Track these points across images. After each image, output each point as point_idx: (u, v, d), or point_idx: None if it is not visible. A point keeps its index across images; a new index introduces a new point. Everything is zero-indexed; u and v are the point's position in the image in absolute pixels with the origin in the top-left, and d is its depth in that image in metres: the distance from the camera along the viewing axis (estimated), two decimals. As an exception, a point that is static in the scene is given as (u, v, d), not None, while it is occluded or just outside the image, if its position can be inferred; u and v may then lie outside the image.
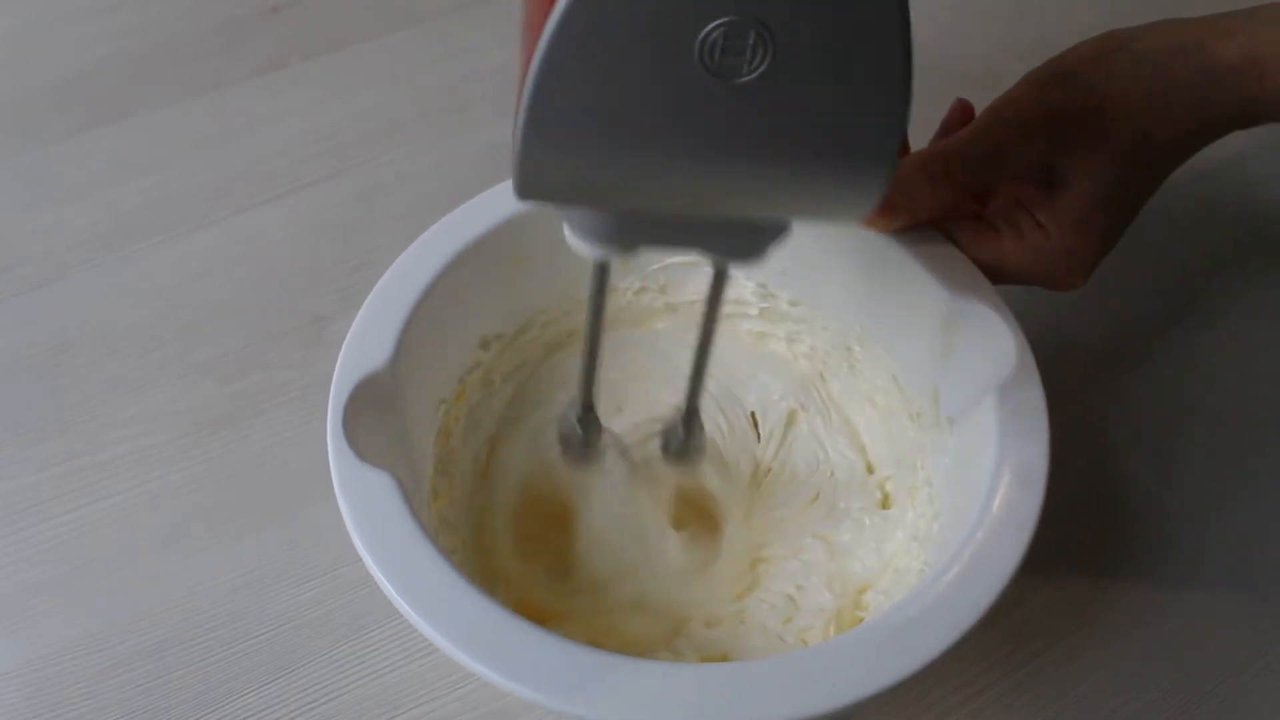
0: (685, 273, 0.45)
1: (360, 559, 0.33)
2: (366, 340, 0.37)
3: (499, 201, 0.41)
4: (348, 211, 0.56)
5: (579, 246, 0.31)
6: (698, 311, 0.46)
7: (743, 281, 0.45)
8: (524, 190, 0.27)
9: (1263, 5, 0.39)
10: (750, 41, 0.24)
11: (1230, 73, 0.38)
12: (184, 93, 0.62)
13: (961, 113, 0.43)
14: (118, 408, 0.49)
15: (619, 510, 0.42)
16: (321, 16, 0.66)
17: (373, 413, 0.36)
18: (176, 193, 0.57)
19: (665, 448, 0.39)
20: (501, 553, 0.42)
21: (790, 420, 0.46)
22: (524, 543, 0.42)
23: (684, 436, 0.38)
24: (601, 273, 0.33)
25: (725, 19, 0.24)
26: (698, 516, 0.43)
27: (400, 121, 0.61)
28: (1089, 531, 0.45)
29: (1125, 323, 0.52)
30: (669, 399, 0.46)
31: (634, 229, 0.30)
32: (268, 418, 0.48)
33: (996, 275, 0.40)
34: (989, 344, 0.37)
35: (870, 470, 0.44)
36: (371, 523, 0.33)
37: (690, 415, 0.37)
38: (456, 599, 0.31)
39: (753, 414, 0.46)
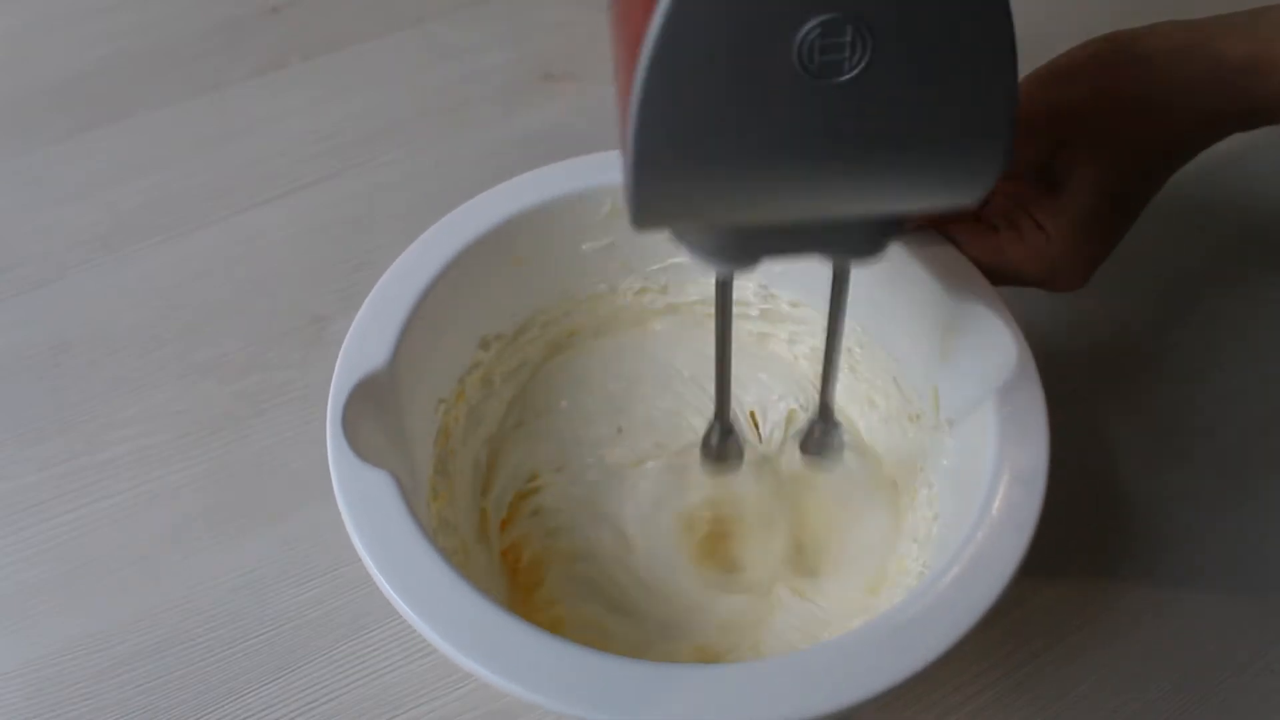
0: (686, 273, 0.45)
1: (360, 558, 0.33)
2: (366, 340, 0.37)
3: (499, 201, 0.41)
4: (348, 211, 0.56)
5: (701, 264, 0.31)
6: (698, 312, 0.46)
7: (743, 282, 0.45)
8: (640, 220, 0.27)
9: (1266, 7, 0.39)
10: (849, 39, 0.24)
11: (1233, 74, 0.38)
12: (184, 93, 0.62)
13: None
14: (118, 408, 0.49)
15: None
16: (321, 16, 0.66)
17: (372, 412, 0.36)
18: (176, 193, 0.57)
19: (803, 447, 0.40)
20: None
21: (790, 420, 0.46)
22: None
23: (820, 435, 0.38)
24: (724, 290, 0.33)
25: (821, 18, 0.24)
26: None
27: (400, 121, 0.61)
28: (1089, 532, 0.45)
29: (1125, 323, 0.52)
30: (667, 402, 0.46)
31: (752, 241, 0.30)
32: (268, 418, 0.48)
33: (996, 276, 0.39)
34: (989, 346, 0.37)
35: (870, 469, 0.44)
36: (371, 523, 0.33)
37: (825, 412, 0.38)
38: (455, 599, 0.31)
39: (752, 413, 0.46)
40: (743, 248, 0.30)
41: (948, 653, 0.30)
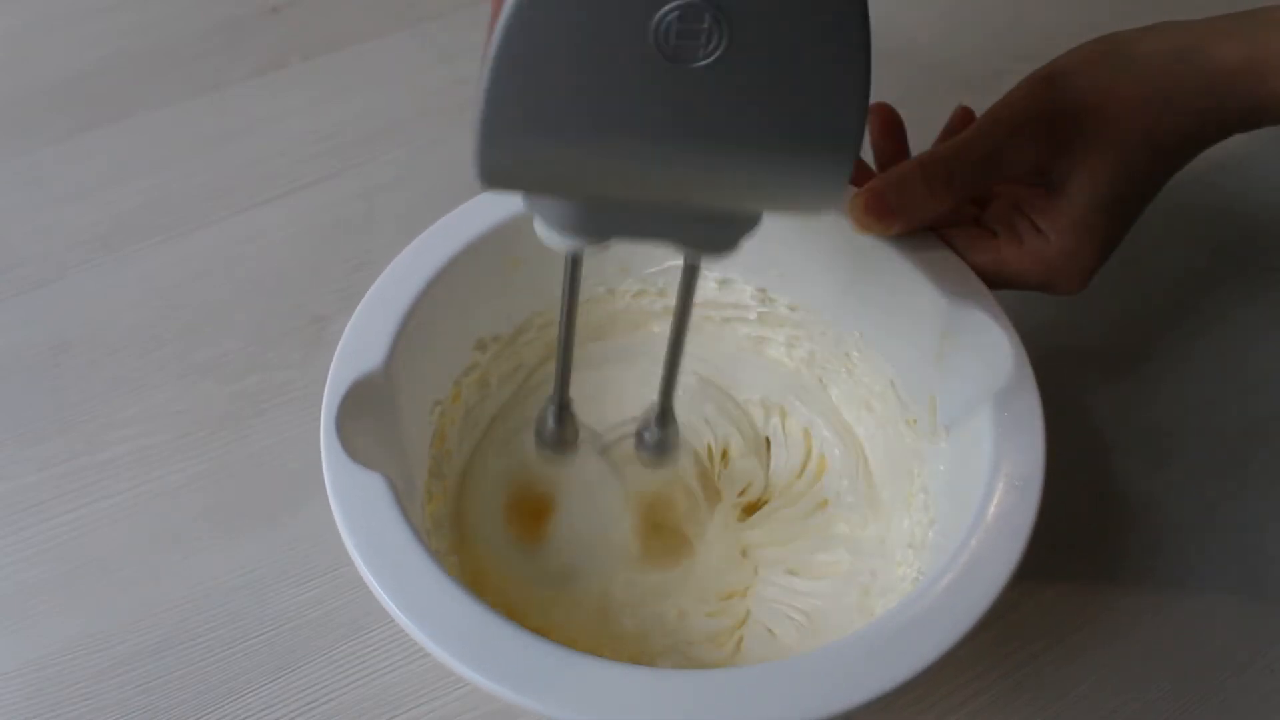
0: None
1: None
2: (361, 342, 0.37)
3: (496, 203, 0.41)
4: (348, 211, 0.56)
5: (549, 238, 0.31)
6: (696, 314, 0.46)
7: (741, 285, 0.45)
8: (486, 177, 0.27)
9: (1264, 7, 0.39)
10: (705, 25, 0.24)
11: (1231, 75, 0.38)
12: (184, 93, 0.62)
13: (962, 117, 0.43)
14: (118, 408, 0.49)
15: (588, 504, 0.42)
16: (321, 16, 0.66)
17: (367, 414, 0.36)
18: (176, 193, 0.57)
19: (639, 445, 0.39)
20: (487, 551, 0.42)
21: (785, 423, 0.46)
22: (509, 541, 0.42)
23: (658, 434, 0.38)
24: (574, 266, 0.33)
25: (680, 1, 0.24)
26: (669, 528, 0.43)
27: (400, 121, 0.61)
28: (1088, 532, 0.45)
29: (1123, 325, 0.52)
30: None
31: (602, 218, 0.30)
32: (268, 418, 0.48)
33: (995, 280, 0.39)
34: (986, 350, 0.37)
35: (867, 474, 0.44)
36: (364, 525, 0.33)
37: (663, 413, 0.37)
38: (447, 602, 0.31)
39: (750, 418, 0.46)
40: (593, 224, 0.30)
41: (942, 659, 0.30)
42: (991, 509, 0.33)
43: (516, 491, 0.43)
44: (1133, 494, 0.46)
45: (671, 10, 0.24)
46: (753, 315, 0.46)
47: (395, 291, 0.38)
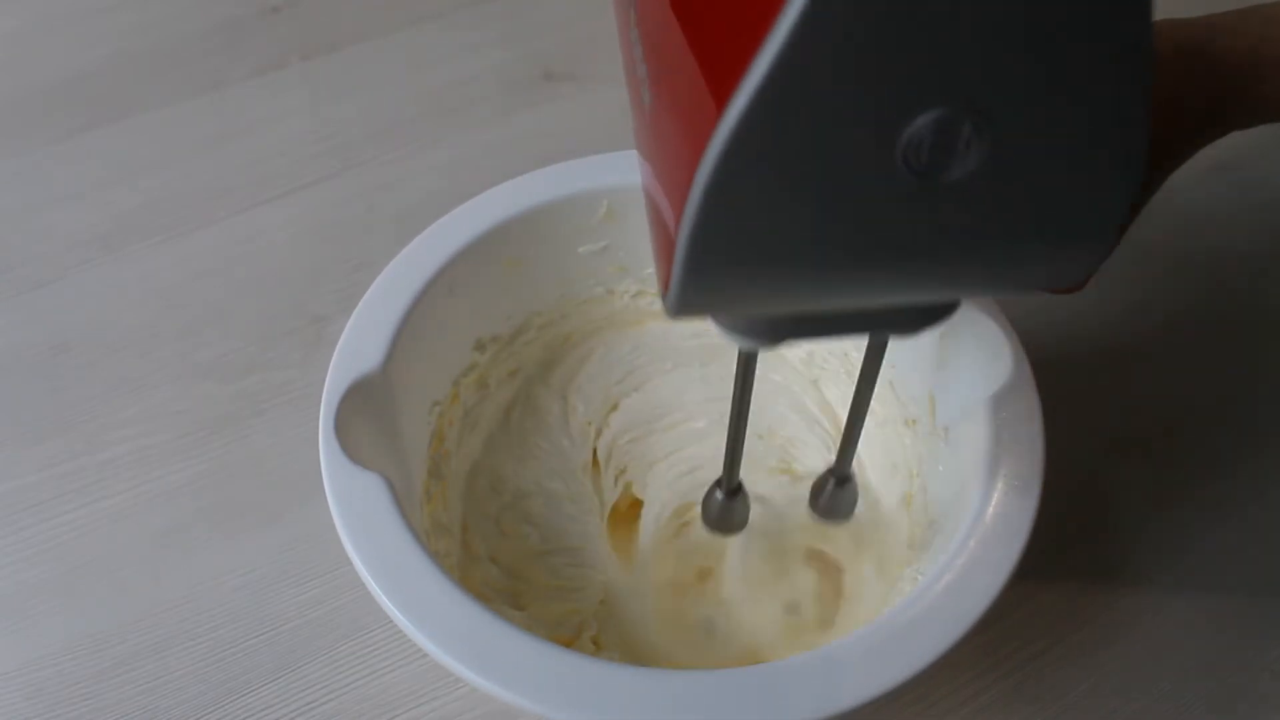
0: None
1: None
2: (360, 343, 0.37)
3: (493, 204, 0.41)
4: (348, 211, 0.56)
5: (730, 338, 0.28)
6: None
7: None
8: (679, 312, 0.24)
9: (1263, 5, 0.39)
10: (965, 135, 0.20)
11: (1230, 73, 0.37)
12: (184, 93, 0.62)
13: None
14: (118, 408, 0.49)
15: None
16: (321, 16, 0.66)
17: (366, 415, 0.36)
18: (176, 193, 0.57)
19: (813, 505, 0.38)
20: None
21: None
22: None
23: (832, 494, 0.37)
24: (748, 362, 0.30)
25: (937, 112, 0.20)
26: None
27: (400, 121, 0.61)
28: (1088, 532, 0.45)
29: (1122, 324, 0.52)
30: (665, 399, 0.46)
31: (792, 324, 0.27)
32: (268, 418, 0.48)
33: None
34: (984, 351, 0.37)
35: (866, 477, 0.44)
36: (362, 525, 0.33)
37: (840, 472, 0.36)
38: (447, 602, 0.31)
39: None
40: (775, 329, 0.27)
41: (940, 660, 0.30)
42: (991, 509, 0.33)
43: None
44: (1133, 494, 0.46)
45: (924, 125, 0.20)
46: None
47: (393, 292, 0.38)
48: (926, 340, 0.39)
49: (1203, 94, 0.38)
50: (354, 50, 0.64)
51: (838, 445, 0.35)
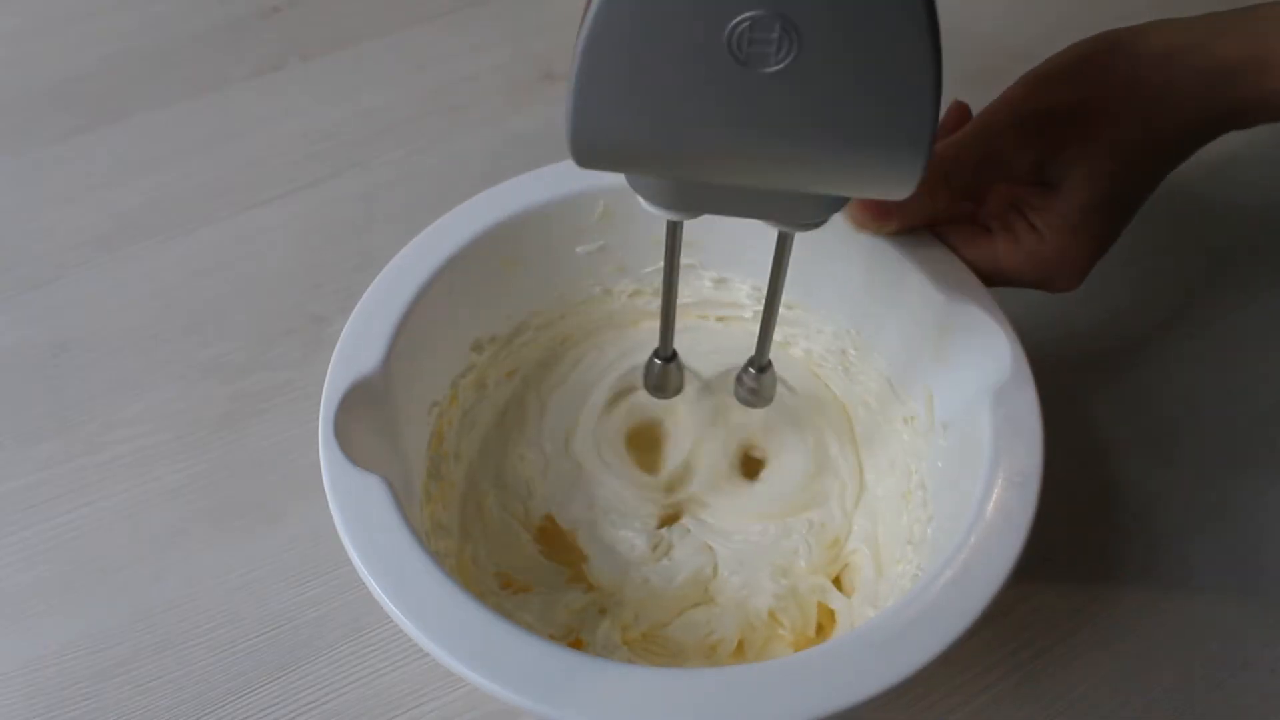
0: (680, 276, 0.45)
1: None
2: (358, 344, 0.37)
3: (491, 205, 0.41)
4: (348, 211, 0.56)
5: (646, 207, 0.33)
6: (692, 313, 0.46)
7: (738, 284, 0.45)
8: (578, 155, 0.29)
9: (1261, 5, 0.39)
10: (775, 35, 0.26)
11: (1229, 72, 0.38)
12: (184, 93, 0.62)
13: (958, 114, 0.43)
14: (118, 408, 0.49)
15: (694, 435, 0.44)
16: (321, 16, 0.66)
17: (365, 416, 0.36)
18: (176, 193, 0.57)
19: (737, 394, 0.42)
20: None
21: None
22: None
23: (752, 382, 0.41)
24: (672, 231, 0.35)
25: (751, 13, 0.25)
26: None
27: (400, 121, 0.61)
28: (1088, 532, 0.45)
29: (1123, 324, 0.52)
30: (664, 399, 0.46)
31: (692, 196, 0.32)
32: (268, 418, 0.48)
33: (991, 278, 0.39)
34: (983, 348, 0.37)
35: (863, 472, 0.44)
36: (363, 526, 0.33)
37: (759, 362, 0.40)
38: (446, 602, 0.31)
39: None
40: (683, 200, 0.32)
41: (940, 657, 0.30)
42: (990, 506, 0.33)
43: (634, 427, 0.45)
44: (1132, 494, 0.46)
45: (743, 20, 0.26)
46: (749, 314, 0.46)
47: (392, 293, 0.38)
48: (924, 336, 0.39)
49: (1199, 94, 0.38)
50: (354, 50, 0.64)
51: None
